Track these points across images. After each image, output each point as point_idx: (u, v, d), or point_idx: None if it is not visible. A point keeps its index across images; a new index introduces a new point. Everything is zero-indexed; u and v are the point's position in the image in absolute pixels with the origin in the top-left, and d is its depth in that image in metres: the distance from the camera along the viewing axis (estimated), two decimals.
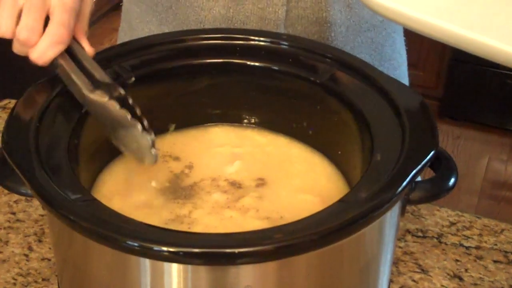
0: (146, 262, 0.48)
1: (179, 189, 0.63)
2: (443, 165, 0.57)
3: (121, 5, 0.87)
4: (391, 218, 0.53)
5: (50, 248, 0.70)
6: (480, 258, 0.71)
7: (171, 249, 0.46)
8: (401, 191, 0.50)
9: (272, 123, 0.69)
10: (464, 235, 0.74)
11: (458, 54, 2.19)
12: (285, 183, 0.64)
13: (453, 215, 0.76)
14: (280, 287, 0.50)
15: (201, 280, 0.49)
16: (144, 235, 0.48)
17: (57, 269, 0.61)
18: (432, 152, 0.53)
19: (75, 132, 0.59)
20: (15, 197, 0.77)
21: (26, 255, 0.70)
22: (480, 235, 0.74)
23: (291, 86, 0.65)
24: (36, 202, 0.76)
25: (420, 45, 2.25)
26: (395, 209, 0.53)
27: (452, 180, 0.57)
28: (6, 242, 0.72)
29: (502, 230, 0.75)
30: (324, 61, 0.63)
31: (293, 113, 0.67)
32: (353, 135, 0.61)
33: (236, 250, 0.46)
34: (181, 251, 0.46)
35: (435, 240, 0.73)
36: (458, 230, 0.75)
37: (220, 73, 0.66)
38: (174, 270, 0.48)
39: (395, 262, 0.70)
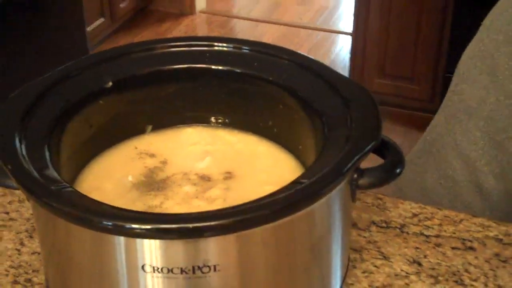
0: (121, 240, 0.55)
1: (153, 183, 0.69)
2: (391, 154, 0.64)
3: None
4: (338, 198, 0.60)
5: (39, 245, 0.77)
6: (439, 245, 0.78)
7: (141, 226, 0.53)
8: (343, 174, 0.57)
9: (241, 123, 0.75)
10: (425, 225, 0.80)
11: (452, 67, 2.25)
12: (252, 176, 0.70)
13: (416, 207, 0.83)
14: (239, 259, 0.56)
15: (168, 253, 0.55)
16: (117, 215, 0.55)
17: (43, 258, 0.68)
18: (372, 143, 0.60)
19: (56, 131, 0.66)
20: (9, 198, 0.84)
21: (18, 250, 0.77)
22: (440, 225, 0.80)
23: (255, 88, 0.72)
24: (27, 203, 0.83)
25: (414, 58, 2.32)
26: (341, 190, 0.59)
27: (399, 168, 0.63)
28: (0, 238, 0.79)
29: (461, 220, 0.81)
30: (282, 62, 0.70)
31: (259, 113, 0.74)
32: (309, 129, 0.67)
33: (197, 224, 0.53)
34: (150, 227, 0.53)
35: (397, 230, 0.80)
36: (420, 220, 0.81)
37: (188, 78, 0.73)
38: (146, 245, 0.55)
39: (359, 250, 0.77)
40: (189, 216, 0.55)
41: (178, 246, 0.55)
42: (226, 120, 0.76)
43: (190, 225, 0.53)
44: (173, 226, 0.53)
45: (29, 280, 0.74)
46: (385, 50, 2.40)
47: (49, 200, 0.56)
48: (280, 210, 0.55)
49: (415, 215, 0.82)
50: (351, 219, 0.70)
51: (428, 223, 0.81)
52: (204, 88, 0.74)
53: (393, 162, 0.63)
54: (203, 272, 0.56)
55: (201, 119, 0.76)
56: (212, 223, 0.53)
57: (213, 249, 0.55)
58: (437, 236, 0.79)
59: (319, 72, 0.68)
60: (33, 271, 0.75)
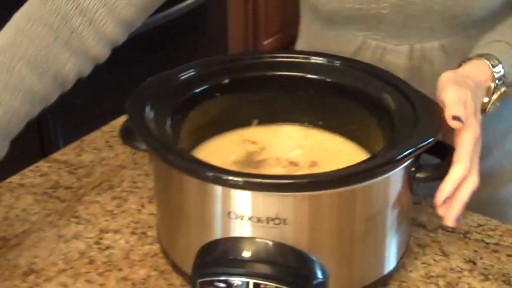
0: (218, 189, 0.71)
1: (250, 162, 0.86)
2: (448, 155, 0.76)
3: None
4: (395, 183, 0.73)
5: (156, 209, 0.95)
6: (496, 251, 0.88)
7: (233, 177, 0.69)
8: (398, 160, 0.71)
9: (330, 125, 0.91)
10: (487, 234, 0.91)
11: None
12: (333, 167, 0.85)
13: (483, 219, 0.94)
14: (309, 216, 0.71)
15: (249, 204, 0.71)
16: (217, 169, 0.71)
17: (157, 208, 0.86)
18: (426, 142, 0.73)
19: (179, 114, 0.84)
20: (138, 172, 1.03)
21: (139, 210, 0.96)
22: (501, 235, 0.91)
23: (343, 95, 0.87)
24: (151, 177, 1.01)
25: None
26: (398, 176, 0.73)
27: None
28: (126, 200, 0.98)
29: None
30: (364, 74, 0.85)
31: (346, 117, 0.89)
32: (382, 133, 0.81)
33: (278, 181, 0.69)
34: (243, 180, 0.69)
35: (461, 235, 0.91)
36: (483, 230, 0.92)
37: (288, 83, 0.89)
38: (233, 195, 0.71)
39: (423, 246, 0.89)
40: (269, 176, 0.70)
41: (258, 198, 0.70)
42: (318, 122, 0.91)
43: (268, 180, 0.69)
44: (256, 180, 0.69)
45: (144, 233, 0.92)
46: None
47: (170, 155, 0.74)
48: (342, 179, 0.69)
49: (480, 225, 0.93)
50: (409, 210, 0.82)
51: (490, 232, 0.91)
52: (301, 93, 0.89)
53: (448, 162, 0.76)
54: (275, 223, 0.71)
55: (297, 119, 0.92)
56: (285, 181, 0.69)
57: (285, 204, 0.70)
58: (496, 244, 0.89)
59: (394, 82, 0.83)
60: (148, 227, 0.93)
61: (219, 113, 0.90)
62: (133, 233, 0.92)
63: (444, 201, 0.75)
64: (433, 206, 0.94)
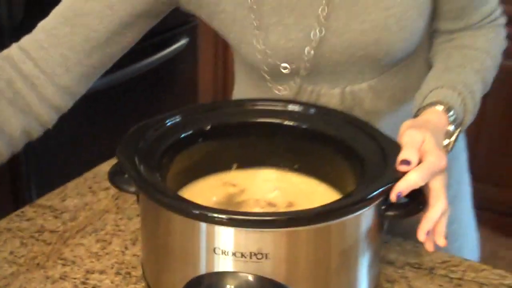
0: (203, 226, 0.77)
1: (231, 203, 0.92)
2: (416, 195, 0.84)
3: None
4: (365, 219, 0.80)
5: (138, 250, 1.00)
6: (460, 285, 0.95)
7: (218, 215, 0.75)
8: (369, 198, 0.78)
9: (306, 168, 0.97)
10: (451, 270, 0.98)
11: None
12: (309, 206, 0.91)
13: (446, 256, 1.01)
14: (286, 252, 0.77)
15: (234, 240, 0.77)
16: (203, 207, 0.77)
17: (142, 245, 0.91)
18: (390, 184, 0.80)
19: (165, 158, 0.90)
20: (120, 215, 1.09)
21: (123, 252, 1.01)
22: (464, 271, 0.98)
23: (317, 141, 0.94)
24: (134, 220, 1.07)
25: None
26: (368, 213, 0.80)
27: (421, 206, 0.83)
28: (110, 243, 1.03)
29: (483, 269, 0.98)
30: (338, 122, 0.92)
31: (320, 161, 0.96)
32: (354, 175, 0.88)
33: (260, 218, 0.75)
34: (224, 216, 0.75)
35: (427, 271, 0.98)
36: (447, 266, 0.99)
37: (266, 130, 0.96)
38: (218, 232, 0.77)
39: (392, 282, 0.95)
40: (252, 213, 0.77)
41: (241, 234, 0.76)
42: (294, 166, 0.98)
43: (251, 217, 0.75)
44: (239, 217, 0.75)
45: (128, 273, 0.97)
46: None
47: (158, 195, 0.80)
48: (318, 216, 0.76)
49: (444, 261, 1.00)
50: (379, 245, 0.88)
51: (453, 268, 0.98)
52: (278, 139, 0.97)
53: (416, 201, 0.83)
54: (257, 258, 0.77)
55: (275, 163, 0.99)
56: (267, 218, 0.75)
57: (266, 240, 0.76)
58: (459, 278, 0.96)
59: (365, 129, 0.90)
60: (132, 267, 0.98)
61: (201, 158, 0.96)
62: (117, 273, 0.97)
63: (398, 198, 0.82)
64: (400, 245, 1.01)
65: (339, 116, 0.95)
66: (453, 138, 0.95)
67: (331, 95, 1.05)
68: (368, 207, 0.80)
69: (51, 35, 0.98)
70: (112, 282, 0.95)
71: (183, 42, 2.76)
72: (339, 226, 0.79)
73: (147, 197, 0.82)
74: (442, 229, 0.85)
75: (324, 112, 0.96)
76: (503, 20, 1.11)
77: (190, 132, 0.94)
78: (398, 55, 1.03)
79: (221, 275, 0.78)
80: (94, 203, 1.13)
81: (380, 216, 0.83)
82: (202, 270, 0.80)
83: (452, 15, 1.06)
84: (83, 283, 0.95)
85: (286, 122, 0.96)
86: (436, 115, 0.95)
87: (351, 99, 1.05)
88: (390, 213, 0.83)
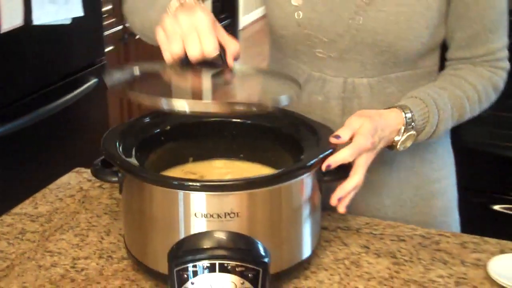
0: (181, 194, 0.97)
1: None
2: (345, 166, 1.07)
3: None
4: (307, 182, 1.03)
5: (113, 239, 1.18)
6: (382, 238, 1.19)
7: (194, 183, 0.96)
8: (310, 164, 1.01)
9: (251, 156, 1.19)
10: (374, 228, 1.22)
11: None
12: None
13: (368, 219, 1.25)
14: (250, 210, 0.98)
15: (210, 204, 0.97)
16: (181, 179, 0.98)
17: (125, 222, 1.09)
18: (329, 151, 1.04)
19: (139, 151, 1.10)
20: (90, 215, 1.26)
21: (100, 241, 1.18)
22: (384, 228, 1.22)
23: (260, 133, 1.17)
24: (103, 218, 1.24)
25: None
26: (309, 178, 1.03)
27: (348, 171, 1.07)
28: (87, 236, 1.20)
29: (398, 225, 1.23)
30: (280, 117, 1.16)
31: (263, 148, 1.18)
32: (293, 159, 1.11)
33: (229, 183, 0.96)
34: (200, 184, 0.96)
35: (355, 231, 1.21)
36: (370, 226, 1.23)
37: (217, 127, 1.17)
38: (196, 198, 0.97)
39: (328, 241, 1.18)
40: (221, 180, 0.98)
41: (216, 199, 0.97)
42: (241, 155, 1.20)
43: (223, 183, 0.96)
44: (213, 183, 0.96)
45: (110, 256, 1.14)
46: None
47: (143, 173, 1.00)
48: (270, 180, 0.99)
49: (367, 223, 1.24)
50: (319, 205, 1.11)
51: (375, 227, 1.23)
52: (226, 134, 1.18)
53: (345, 170, 1.07)
54: (230, 217, 0.97)
55: (225, 154, 1.20)
56: (233, 183, 0.97)
57: (235, 201, 0.97)
58: (381, 234, 1.21)
59: (301, 120, 1.14)
60: (112, 251, 1.15)
61: (164, 153, 1.16)
62: (100, 257, 1.14)
63: (327, 168, 1.04)
64: (330, 214, 1.24)
65: (278, 111, 1.18)
66: (403, 137, 1.13)
67: (334, 83, 1.24)
68: (308, 173, 1.03)
69: None
70: (97, 264, 1.12)
71: (92, 82, 2.93)
72: (288, 188, 1.01)
73: (134, 177, 1.01)
74: (347, 199, 1.07)
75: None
76: (506, 64, 1.25)
77: (155, 131, 1.14)
78: (399, 54, 1.19)
79: (202, 234, 0.98)
80: (64, 207, 1.30)
81: (318, 181, 1.06)
82: (186, 232, 0.99)
83: (462, 44, 1.22)
84: (73, 267, 1.12)
85: (232, 119, 1.18)
86: (394, 113, 1.14)
87: (352, 90, 1.23)
88: (326, 178, 1.06)
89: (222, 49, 1.04)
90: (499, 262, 1.10)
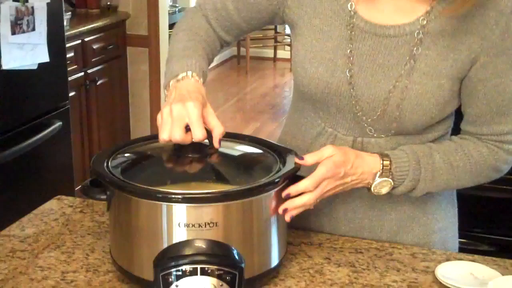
0: (165, 206, 1.11)
1: None
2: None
3: None
4: (275, 196, 1.17)
5: (98, 255, 1.30)
6: (342, 251, 1.33)
7: (176, 196, 1.09)
8: (274, 183, 1.16)
9: (225, 180, 1.33)
10: (334, 242, 1.36)
11: None
12: None
13: (329, 235, 1.39)
14: (228, 220, 1.12)
15: (191, 214, 1.11)
16: (166, 192, 1.11)
17: (111, 233, 1.21)
18: (294, 169, 1.19)
19: (124, 174, 1.23)
20: (74, 235, 1.38)
21: (86, 257, 1.30)
22: (343, 243, 1.37)
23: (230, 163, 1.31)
24: (87, 237, 1.36)
25: None
26: (276, 193, 1.17)
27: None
28: (73, 253, 1.32)
29: (356, 240, 1.37)
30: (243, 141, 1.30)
31: (236, 173, 1.32)
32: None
33: (208, 195, 1.10)
34: (180, 196, 1.10)
35: (317, 245, 1.36)
36: (331, 241, 1.37)
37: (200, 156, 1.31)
38: (179, 209, 1.10)
39: (294, 254, 1.32)
40: (201, 192, 1.12)
41: (196, 210, 1.11)
42: (215, 178, 1.33)
43: (202, 195, 1.10)
44: (194, 195, 1.10)
45: (96, 270, 1.26)
46: None
47: (130, 187, 1.13)
48: (242, 192, 1.13)
49: (328, 238, 1.38)
50: (285, 221, 1.25)
51: (336, 242, 1.37)
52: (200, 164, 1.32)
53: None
54: (210, 226, 1.11)
55: (200, 177, 1.34)
56: (211, 195, 1.11)
57: (214, 212, 1.11)
58: (340, 247, 1.35)
59: (269, 145, 1.29)
60: (98, 266, 1.27)
61: (146, 175, 1.29)
62: (87, 271, 1.26)
63: (286, 196, 1.17)
64: (294, 232, 1.38)
65: (246, 138, 1.33)
66: (376, 182, 1.25)
67: (344, 141, 1.33)
68: (276, 189, 1.17)
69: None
70: (85, 277, 1.24)
71: (57, 125, 3.05)
72: (259, 201, 1.16)
73: (121, 192, 1.14)
74: (296, 202, 1.18)
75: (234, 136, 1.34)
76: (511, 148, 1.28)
77: (135, 157, 1.28)
78: (407, 125, 1.27)
79: (185, 242, 1.11)
80: (49, 229, 1.41)
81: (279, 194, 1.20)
82: (166, 242, 1.12)
83: (469, 119, 1.29)
84: (63, 279, 1.23)
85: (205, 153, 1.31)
86: (372, 158, 1.25)
87: (360, 148, 1.31)
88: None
89: (209, 133, 1.20)
90: (445, 268, 1.26)
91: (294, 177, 1.20)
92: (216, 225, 1.12)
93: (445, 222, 1.43)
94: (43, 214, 1.48)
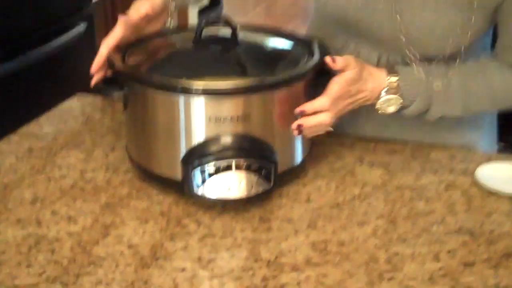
0: (182, 98, 1.04)
1: None
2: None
3: None
4: (307, 86, 1.10)
5: (119, 154, 1.24)
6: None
7: (203, 87, 1.03)
8: (304, 73, 1.09)
9: (252, 74, 1.25)
10: (367, 144, 1.29)
11: None
12: None
13: (361, 137, 1.32)
14: (259, 112, 1.06)
15: (221, 107, 1.03)
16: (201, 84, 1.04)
17: (127, 132, 1.16)
18: (321, 61, 1.10)
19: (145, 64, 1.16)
20: (94, 135, 1.32)
21: (106, 156, 1.25)
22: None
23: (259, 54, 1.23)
24: (107, 136, 1.30)
25: None
26: (304, 83, 1.10)
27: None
28: (93, 152, 1.26)
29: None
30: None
31: (263, 66, 1.24)
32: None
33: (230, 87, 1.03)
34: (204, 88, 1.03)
35: (349, 145, 1.28)
36: (364, 142, 1.30)
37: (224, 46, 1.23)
38: (204, 101, 1.03)
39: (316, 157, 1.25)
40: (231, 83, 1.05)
41: (226, 102, 1.03)
42: (241, 72, 1.25)
43: (232, 86, 1.03)
44: (222, 87, 1.03)
45: (116, 169, 1.21)
46: None
47: (149, 78, 1.06)
48: (280, 82, 1.07)
49: (360, 139, 1.31)
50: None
51: (368, 143, 1.30)
52: (232, 53, 1.23)
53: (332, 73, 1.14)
54: (241, 119, 1.04)
55: (224, 72, 1.26)
56: (243, 85, 1.04)
57: (244, 104, 1.04)
58: (373, 148, 1.28)
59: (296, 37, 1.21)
60: (117, 165, 1.22)
61: (166, 70, 1.22)
62: (107, 170, 1.21)
63: (301, 113, 1.09)
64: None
65: (271, 31, 1.24)
66: (380, 99, 1.16)
67: (368, 58, 1.23)
68: (305, 78, 1.10)
69: None
70: (104, 176, 1.19)
71: (80, 28, 2.96)
72: (288, 92, 1.09)
73: (141, 85, 1.07)
74: (310, 120, 1.09)
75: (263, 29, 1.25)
76: None
77: (153, 51, 1.20)
78: (431, 54, 1.19)
79: (215, 139, 1.05)
80: (68, 129, 1.35)
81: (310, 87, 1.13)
82: (194, 138, 1.06)
83: (497, 49, 1.21)
84: (81, 178, 1.18)
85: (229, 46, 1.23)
86: (379, 73, 1.16)
87: (385, 66, 1.20)
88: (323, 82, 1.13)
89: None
90: (485, 169, 1.18)
91: (321, 71, 1.12)
92: (245, 119, 1.05)
93: (485, 121, 1.36)
94: (62, 112, 1.42)
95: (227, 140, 1.05)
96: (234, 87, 1.05)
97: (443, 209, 1.10)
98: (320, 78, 1.12)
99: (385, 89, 1.16)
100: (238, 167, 1.05)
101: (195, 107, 1.04)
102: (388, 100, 1.17)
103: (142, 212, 1.08)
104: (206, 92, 1.04)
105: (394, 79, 1.16)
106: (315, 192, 1.14)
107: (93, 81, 1.16)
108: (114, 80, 1.13)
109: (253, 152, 1.05)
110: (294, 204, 1.11)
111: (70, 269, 0.95)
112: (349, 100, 1.14)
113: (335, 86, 1.12)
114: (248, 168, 1.05)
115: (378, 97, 1.17)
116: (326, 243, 1.01)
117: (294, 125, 1.10)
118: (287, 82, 1.08)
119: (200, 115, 1.04)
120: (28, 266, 0.95)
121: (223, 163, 1.04)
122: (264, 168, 1.06)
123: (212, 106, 1.04)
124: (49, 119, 1.39)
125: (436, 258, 0.98)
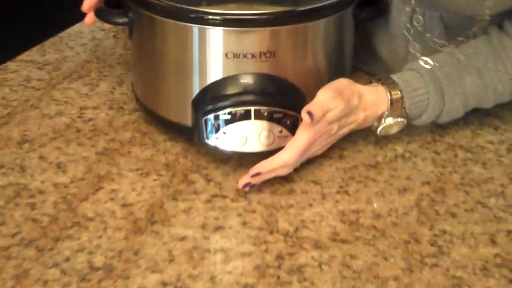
0: (195, 29, 0.85)
1: None
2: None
3: None
4: (344, 19, 0.91)
5: (126, 89, 1.08)
6: None
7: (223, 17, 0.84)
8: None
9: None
10: None
11: None
12: None
13: None
14: (292, 49, 0.87)
15: (243, 42, 0.85)
16: (215, 13, 0.85)
17: (133, 65, 0.98)
18: None
19: None
20: (102, 64, 1.15)
21: (111, 91, 1.08)
22: None
23: None
24: (116, 67, 1.13)
25: None
26: (347, 14, 0.91)
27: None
28: (97, 85, 1.10)
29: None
30: None
31: None
32: None
33: (253, 17, 0.84)
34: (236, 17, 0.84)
35: None
36: None
37: None
38: (227, 35, 0.85)
39: None
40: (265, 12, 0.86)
41: (249, 36, 0.85)
42: None
43: (258, 16, 0.84)
44: (245, 17, 0.84)
45: (121, 107, 1.04)
46: None
47: (156, 5, 0.87)
48: (307, 13, 0.87)
49: None
50: (352, 50, 0.98)
51: None
52: None
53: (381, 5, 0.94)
54: (266, 57, 0.85)
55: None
56: (269, 16, 0.85)
57: (270, 39, 0.85)
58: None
59: None
60: (123, 103, 1.05)
61: None
62: (110, 108, 1.04)
63: (256, 175, 0.85)
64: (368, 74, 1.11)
65: None
66: (382, 125, 0.92)
67: (401, 10, 1.02)
68: (347, 9, 0.91)
69: None
70: (107, 115, 1.02)
71: None
72: (328, 23, 0.90)
73: (149, 12, 0.89)
74: (266, 176, 0.86)
75: None
76: None
77: None
78: (484, 15, 0.94)
79: (231, 79, 0.87)
80: (74, 56, 1.19)
81: (355, 18, 0.94)
82: (207, 77, 0.88)
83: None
84: (79, 117, 1.02)
85: None
86: (376, 94, 0.91)
87: (418, 20, 1.00)
88: (362, 15, 0.95)
89: None
90: None
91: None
92: (273, 55, 0.86)
93: None
94: (69, 37, 1.25)
95: (247, 81, 0.87)
96: (258, 17, 0.86)
97: (504, 177, 0.91)
98: (364, 9, 0.93)
99: (387, 113, 0.92)
100: (258, 115, 0.87)
101: (211, 41, 0.86)
102: (391, 125, 0.93)
103: (143, 162, 0.92)
104: (225, 23, 0.85)
105: (396, 97, 0.91)
106: (350, 148, 0.96)
107: (87, 19, 0.98)
108: (118, 4, 0.95)
109: (278, 97, 0.87)
110: (323, 161, 0.93)
111: (49, 231, 0.79)
112: (330, 139, 0.91)
113: (302, 135, 0.86)
114: (270, 117, 0.87)
115: (376, 122, 0.93)
116: (358, 213, 0.83)
117: (241, 183, 0.86)
118: (323, 12, 0.88)
119: (217, 50, 0.86)
120: (2, 224, 0.80)
121: (240, 109, 0.86)
122: (290, 118, 0.88)
123: (231, 40, 0.86)
124: (54, 45, 1.22)
125: (492, 241, 0.80)
